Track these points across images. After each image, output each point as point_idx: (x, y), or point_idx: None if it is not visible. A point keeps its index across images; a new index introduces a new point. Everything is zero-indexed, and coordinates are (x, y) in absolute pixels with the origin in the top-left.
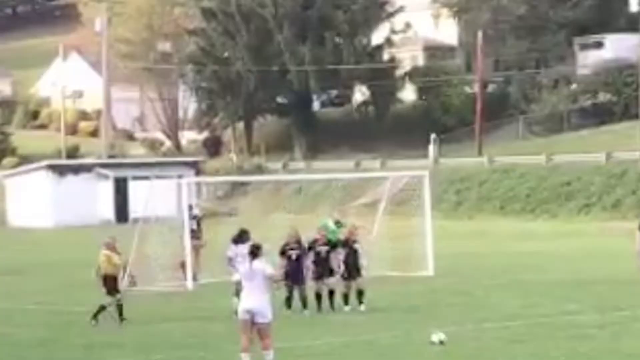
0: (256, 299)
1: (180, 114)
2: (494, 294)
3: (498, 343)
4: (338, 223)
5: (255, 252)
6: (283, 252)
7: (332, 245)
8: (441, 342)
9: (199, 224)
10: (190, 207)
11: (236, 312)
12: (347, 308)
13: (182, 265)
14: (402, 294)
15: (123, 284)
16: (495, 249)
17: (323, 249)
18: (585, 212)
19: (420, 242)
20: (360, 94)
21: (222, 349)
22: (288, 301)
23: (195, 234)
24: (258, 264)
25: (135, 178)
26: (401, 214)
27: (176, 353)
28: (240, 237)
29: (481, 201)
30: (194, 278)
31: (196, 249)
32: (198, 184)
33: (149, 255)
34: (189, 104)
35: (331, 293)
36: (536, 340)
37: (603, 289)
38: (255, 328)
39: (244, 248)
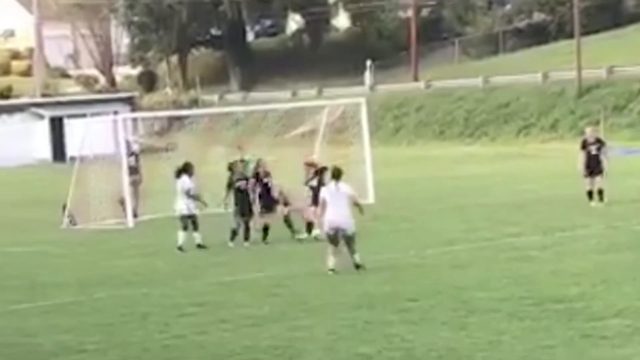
0: (342, 215)
1: (114, 49)
2: (435, 220)
3: (441, 269)
4: (243, 161)
5: (336, 175)
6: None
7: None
8: (315, 238)
9: (137, 160)
10: (129, 144)
11: (180, 248)
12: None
13: (122, 202)
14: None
15: (63, 223)
16: (435, 174)
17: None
18: (524, 133)
19: (360, 170)
20: (294, 22)
21: (165, 285)
22: (234, 233)
23: (134, 170)
24: (343, 186)
25: (71, 116)
26: (340, 142)
27: (119, 291)
28: (186, 171)
29: (419, 126)
30: (134, 215)
31: (135, 186)
32: (134, 120)
33: (88, 193)
34: (121, 39)
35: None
36: (479, 264)
37: (544, 210)
38: (342, 239)
39: (190, 182)
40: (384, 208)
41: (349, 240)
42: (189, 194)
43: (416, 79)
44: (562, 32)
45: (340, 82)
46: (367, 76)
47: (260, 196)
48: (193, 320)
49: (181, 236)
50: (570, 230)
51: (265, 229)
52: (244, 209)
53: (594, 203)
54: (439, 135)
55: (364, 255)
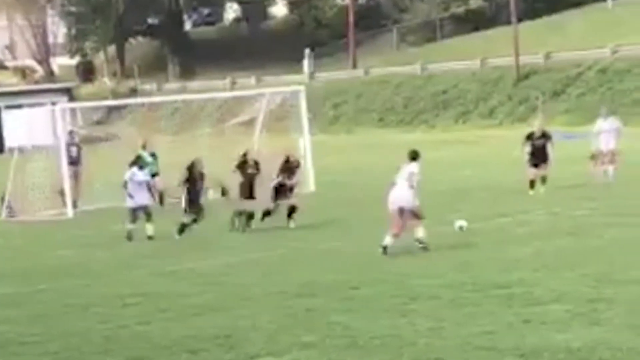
0: (398, 194)
1: (51, 39)
2: (376, 208)
3: (382, 256)
4: (153, 155)
5: (413, 156)
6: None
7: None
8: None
9: (79, 151)
10: (72, 134)
11: (130, 237)
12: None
13: (62, 193)
14: (284, 212)
15: (2, 215)
16: (375, 162)
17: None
18: (463, 120)
19: (299, 158)
20: (231, 11)
21: (106, 275)
22: (183, 227)
23: (76, 161)
24: (412, 167)
25: (8, 107)
26: (280, 130)
27: (62, 282)
28: (135, 163)
29: (359, 114)
30: (74, 205)
31: (77, 176)
32: (73, 110)
33: (27, 185)
34: (58, 29)
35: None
36: (420, 251)
37: (485, 197)
38: (405, 215)
39: (142, 174)
40: (325, 196)
41: (413, 214)
42: (125, 185)
43: (355, 66)
44: (500, 18)
45: (279, 70)
46: (306, 64)
47: (242, 184)
48: (135, 311)
49: (130, 228)
50: (511, 216)
51: (250, 217)
52: (195, 204)
53: (533, 192)
54: (378, 123)
55: (305, 244)
